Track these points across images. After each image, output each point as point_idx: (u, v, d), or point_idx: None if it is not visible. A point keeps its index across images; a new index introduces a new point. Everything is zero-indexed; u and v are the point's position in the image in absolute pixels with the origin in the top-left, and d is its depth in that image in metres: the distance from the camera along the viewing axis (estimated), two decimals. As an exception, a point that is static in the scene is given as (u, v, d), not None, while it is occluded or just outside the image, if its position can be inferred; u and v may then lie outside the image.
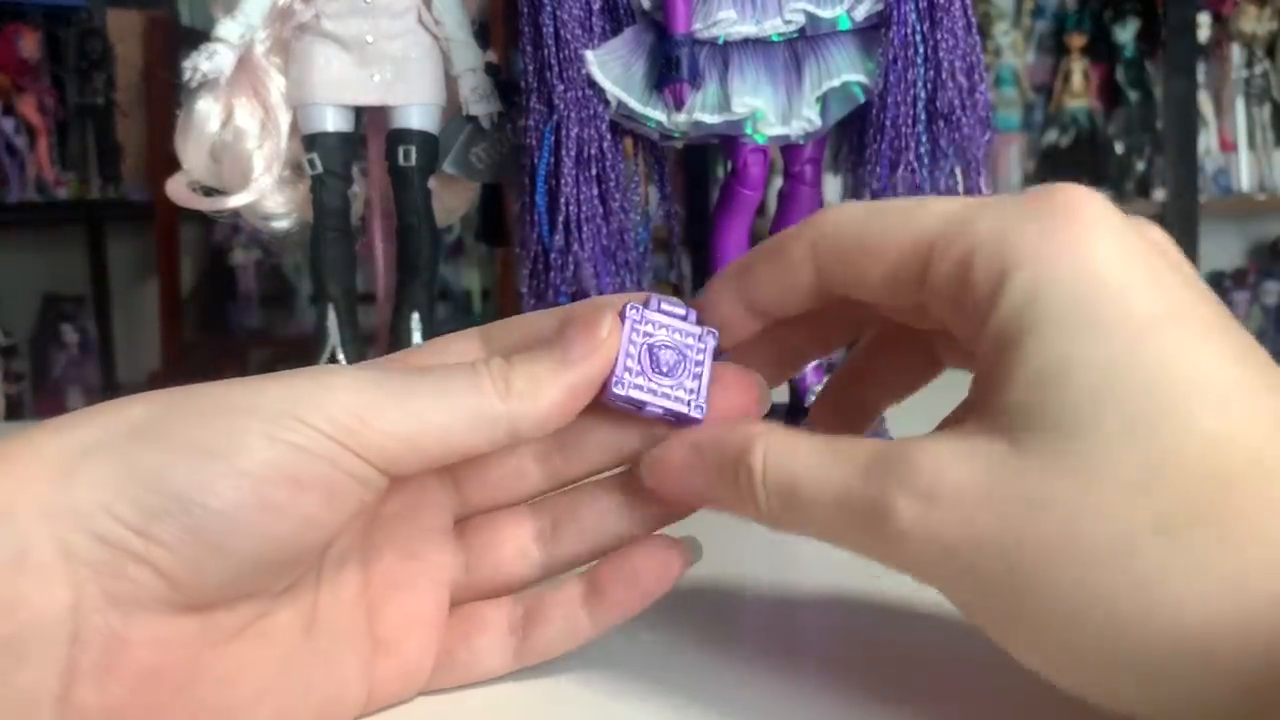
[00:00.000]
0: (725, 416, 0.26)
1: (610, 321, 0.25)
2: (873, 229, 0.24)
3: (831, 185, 0.48)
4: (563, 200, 0.42)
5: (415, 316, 0.45)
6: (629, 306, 0.26)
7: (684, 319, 0.27)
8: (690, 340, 0.26)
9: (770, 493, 0.24)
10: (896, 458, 0.22)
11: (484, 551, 0.27)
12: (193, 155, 0.44)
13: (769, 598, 0.33)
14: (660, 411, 0.26)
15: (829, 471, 0.23)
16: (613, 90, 0.42)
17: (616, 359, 0.25)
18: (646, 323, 0.26)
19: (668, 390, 0.26)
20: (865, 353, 0.30)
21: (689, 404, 0.26)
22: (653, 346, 0.26)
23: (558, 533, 0.27)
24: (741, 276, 0.27)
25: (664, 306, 0.26)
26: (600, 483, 0.28)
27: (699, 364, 0.26)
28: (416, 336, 0.44)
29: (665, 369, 0.26)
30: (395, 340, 0.45)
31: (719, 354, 0.27)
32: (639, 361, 0.26)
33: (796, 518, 0.24)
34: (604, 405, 0.26)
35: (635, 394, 0.26)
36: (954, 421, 0.24)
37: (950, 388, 0.28)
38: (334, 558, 0.25)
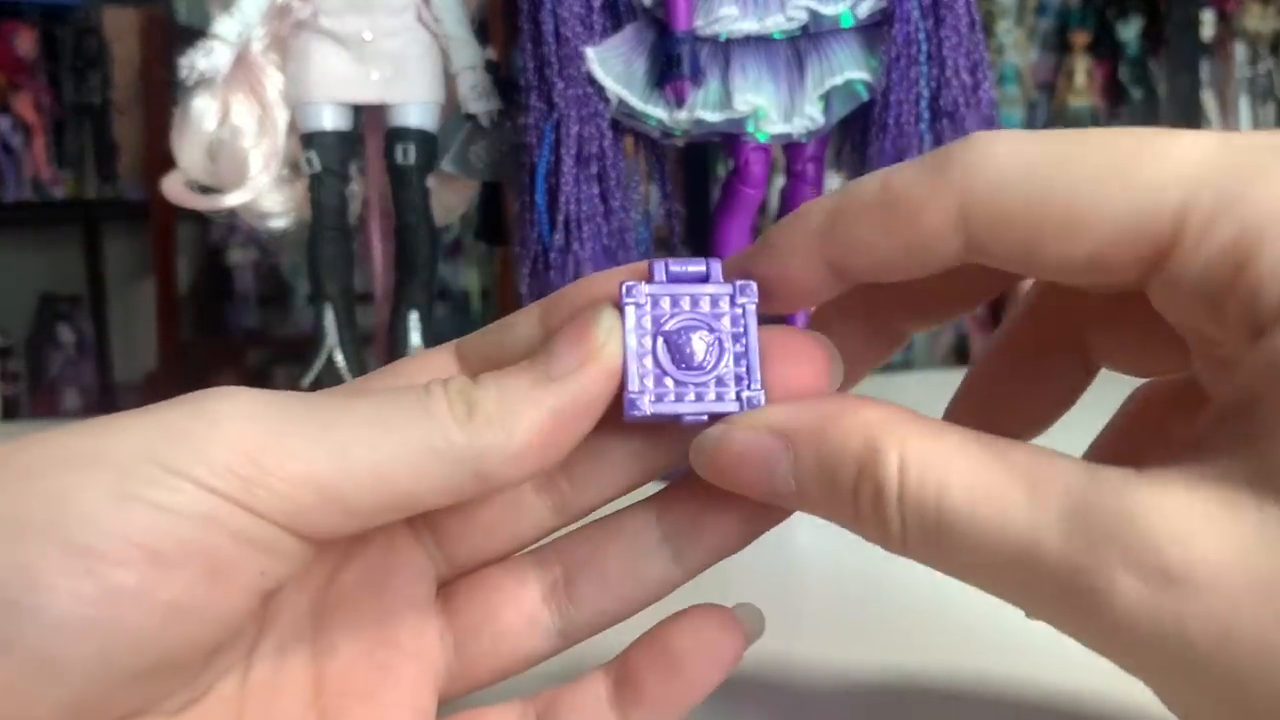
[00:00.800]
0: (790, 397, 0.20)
1: (608, 319, 0.19)
2: (1062, 190, 0.17)
3: (834, 183, 0.48)
4: (563, 199, 0.41)
5: (414, 316, 0.44)
6: (625, 289, 0.19)
7: (704, 279, 0.20)
8: (722, 306, 0.20)
9: (910, 522, 0.17)
10: (1115, 511, 0.16)
11: (480, 624, 0.21)
12: (188, 153, 0.44)
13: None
14: (705, 419, 0.20)
15: (1006, 511, 0.16)
16: (614, 88, 0.41)
17: (625, 366, 0.19)
18: (653, 304, 0.19)
19: (705, 386, 0.19)
20: (998, 357, 0.23)
21: (739, 397, 0.19)
22: (670, 333, 0.19)
23: (574, 585, 0.21)
24: (830, 235, 0.19)
25: (673, 269, 0.20)
26: (625, 511, 0.21)
27: (740, 335, 0.20)
28: (415, 336, 0.44)
29: (695, 359, 0.19)
30: (394, 340, 0.44)
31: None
32: (657, 360, 0.19)
33: (945, 560, 0.17)
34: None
35: (663, 408, 0.19)
36: (1169, 450, 0.17)
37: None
38: (268, 654, 0.19)
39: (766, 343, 0.20)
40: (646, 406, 0.19)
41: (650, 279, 0.20)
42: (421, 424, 0.17)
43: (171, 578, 0.16)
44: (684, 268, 0.20)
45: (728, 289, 0.20)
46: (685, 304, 0.20)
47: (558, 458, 0.19)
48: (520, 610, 0.21)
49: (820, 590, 0.36)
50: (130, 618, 0.16)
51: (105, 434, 0.16)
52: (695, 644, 0.20)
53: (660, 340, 0.19)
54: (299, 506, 0.17)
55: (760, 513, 0.20)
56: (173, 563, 0.16)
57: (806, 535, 0.38)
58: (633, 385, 0.19)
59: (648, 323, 0.19)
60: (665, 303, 0.20)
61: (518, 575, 0.21)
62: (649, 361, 0.19)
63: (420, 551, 0.21)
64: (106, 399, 2.03)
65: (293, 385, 0.39)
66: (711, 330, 0.19)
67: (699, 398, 0.19)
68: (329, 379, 0.43)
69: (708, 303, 0.20)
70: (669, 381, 0.19)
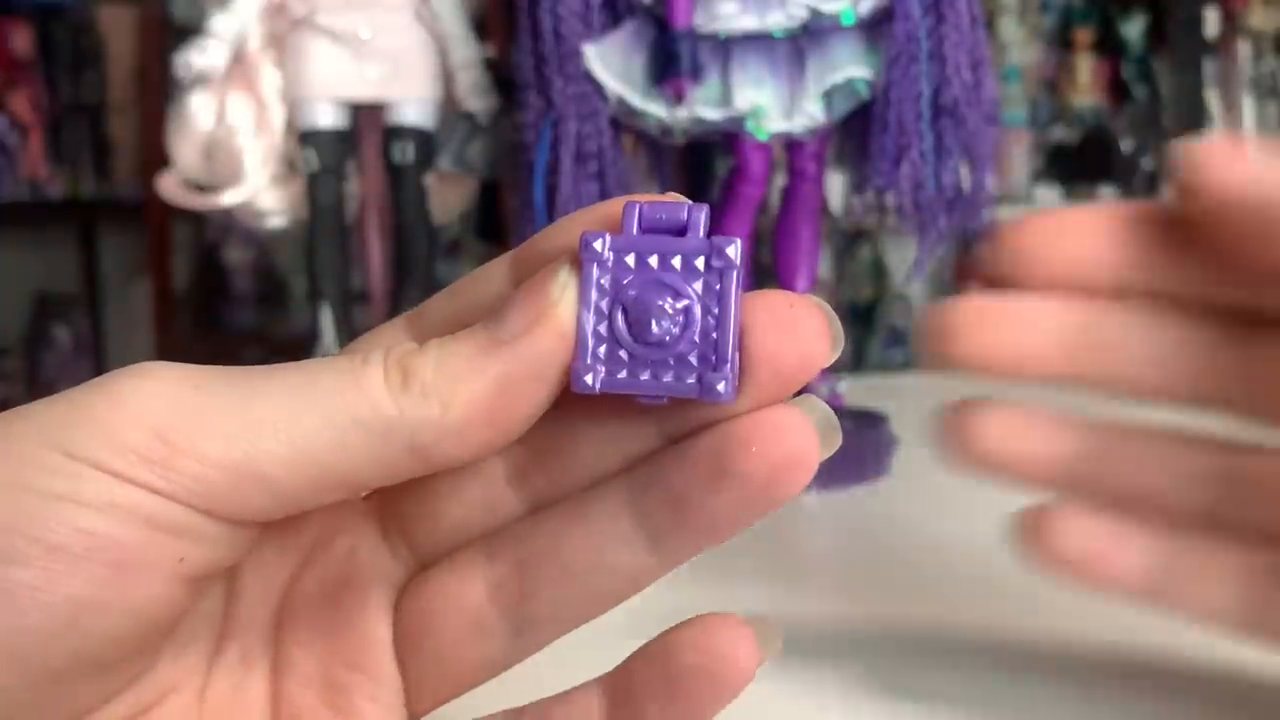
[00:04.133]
0: (772, 386, 0.16)
1: (564, 275, 0.16)
2: None
3: (835, 181, 0.47)
4: (561, 198, 0.41)
5: (412, 316, 0.44)
6: (583, 241, 0.16)
7: (683, 230, 0.17)
8: (696, 264, 0.16)
9: None
10: None
11: (421, 632, 0.18)
12: (185, 152, 0.44)
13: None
14: (662, 400, 0.17)
15: None
16: (613, 85, 0.41)
17: (578, 329, 0.16)
18: (616, 261, 0.16)
19: (664, 362, 0.16)
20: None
21: (699, 380, 0.16)
22: (629, 300, 0.16)
23: (530, 578, 0.18)
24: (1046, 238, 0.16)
25: (647, 213, 0.17)
26: (593, 491, 0.18)
27: (714, 304, 0.16)
28: (413, 336, 0.44)
29: (656, 329, 0.16)
30: (391, 340, 0.44)
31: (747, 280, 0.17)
32: (613, 328, 0.16)
33: None
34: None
35: (613, 384, 0.16)
36: None
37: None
38: (232, 664, 0.18)
39: (751, 311, 0.16)
40: (590, 377, 0.16)
41: (622, 225, 0.17)
42: (348, 394, 0.16)
43: (73, 571, 0.15)
44: (660, 214, 0.17)
45: (705, 246, 0.16)
46: (653, 263, 0.16)
47: (510, 433, 0.16)
48: (464, 613, 0.18)
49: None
50: (31, 616, 0.15)
51: (10, 421, 0.15)
52: (701, 661, 0.17)
53: (617, 305, 0.16)
54: (214, 488, 0.15)
55: (762, 493, 0.17)
56: (74, 555, 0.15)
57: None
58: (581, 356, 0.16)
59: (607, 283, 0.16)
60: (630, 259, 0.16)
61: (460, 570, 0.18)
62: (604, 328, 0.16)
63: (386, 556, 0.18)
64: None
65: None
66: (680, 296, 0.16)
67: (655, 376, 0.16)
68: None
69: (680, 261, 0.16)
70: (623, 354, 0.16)
